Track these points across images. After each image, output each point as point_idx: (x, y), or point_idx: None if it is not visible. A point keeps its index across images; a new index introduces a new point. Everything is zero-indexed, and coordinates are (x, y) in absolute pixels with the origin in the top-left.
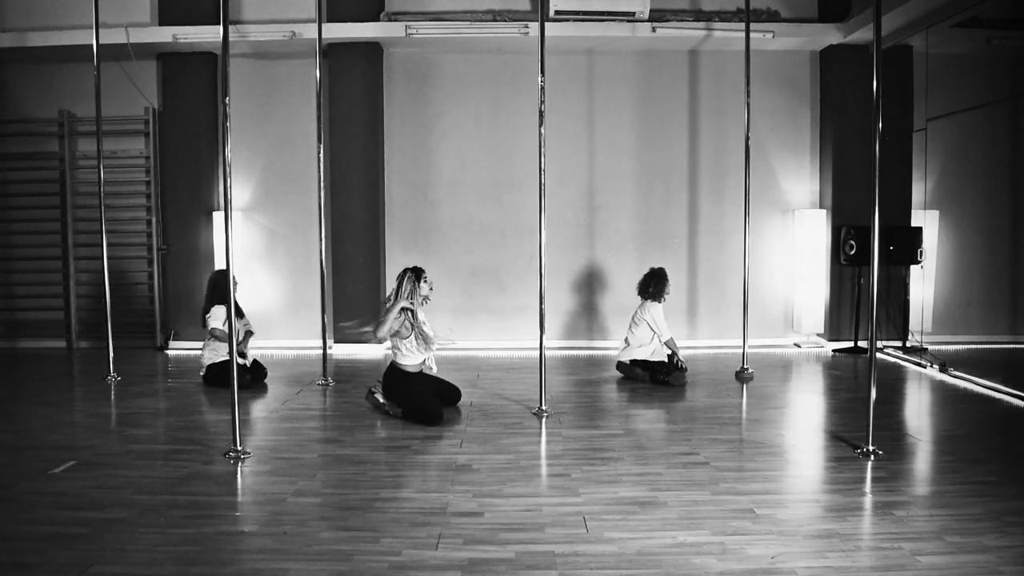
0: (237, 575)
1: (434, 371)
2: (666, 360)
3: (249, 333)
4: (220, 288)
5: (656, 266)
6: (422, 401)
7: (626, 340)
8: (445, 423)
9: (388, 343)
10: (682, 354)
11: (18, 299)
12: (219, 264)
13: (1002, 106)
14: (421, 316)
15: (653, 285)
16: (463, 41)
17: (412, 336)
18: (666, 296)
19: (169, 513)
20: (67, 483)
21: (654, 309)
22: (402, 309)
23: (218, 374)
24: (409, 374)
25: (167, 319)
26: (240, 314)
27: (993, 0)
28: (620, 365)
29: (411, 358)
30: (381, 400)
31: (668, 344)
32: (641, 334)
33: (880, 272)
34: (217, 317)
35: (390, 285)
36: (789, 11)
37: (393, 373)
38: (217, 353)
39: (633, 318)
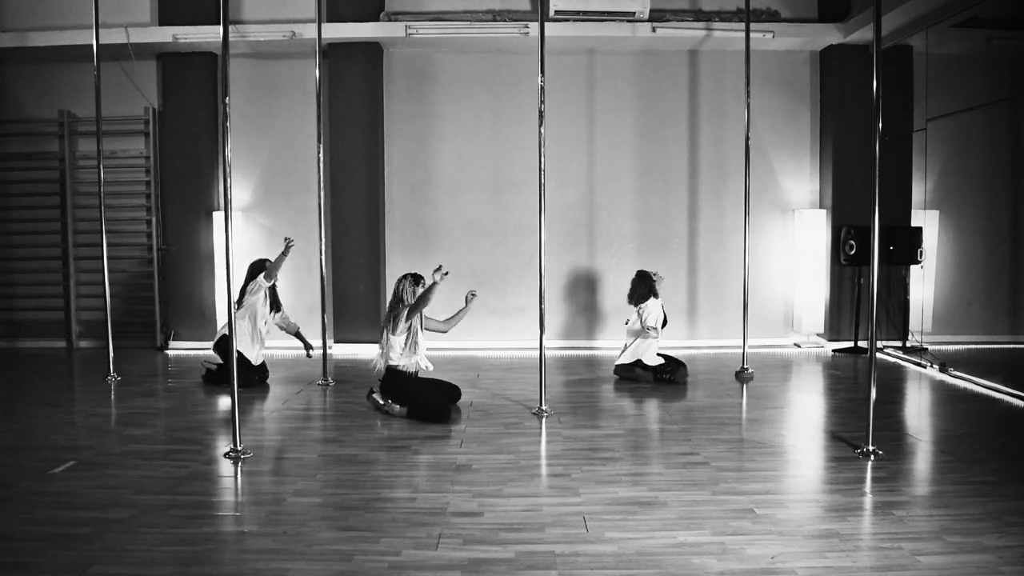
0: (237, 575)
1: (431, 370)
2: (664, 360)
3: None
4: (254, 269)
5: (638, 271)
6: (426, 400)
7: (625, 345)
8: (444, 423)
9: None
10: (673, 352)
11: (18, 299)
12: (219, 264)
13: (1002, 106)
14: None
15: (643, 287)
16: (463, 41)
17: (404, 337)
18: (658, 289)
19: (169, 513)
20: (67, 483)
21: (651, 304)
22: (434, 283)
23: (221, 375)
24: (407, 374)
25: (167, 319)
26: (277, 306)
27: (993, 0)
28: (619, 368)
29: (402, 359)
30: (381, 401)
31: (648, 332)
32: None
33: (880, 272)
34: (259, 286)
35: (390, 285)
36: (789, 11)
37: (392, 376)
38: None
39: (631, 324)
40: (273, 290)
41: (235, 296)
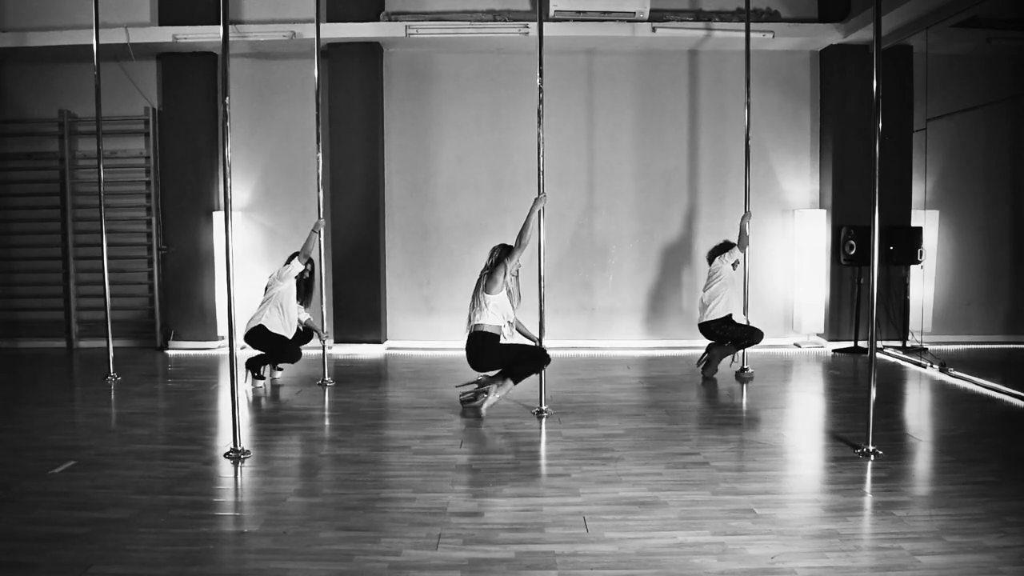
0: (237, 575)
1: (509, 337)
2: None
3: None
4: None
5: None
6: (528, 348)
7: (701, 301)
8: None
9: (483, 312)
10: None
11: (18, 299)
12: (219, 264)
13: (1002, 106)
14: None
15: (717, 250)
16: (463, 41)
17: (503, 293)
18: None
19: (169, 513)
20: (67, 483)
21: (717, 260)
22: (537, 204)
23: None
24: (496, 336)
25: (167, 319)
26: (307, 300)
27: (993, 0)
28: (705, 328)
29: (494, 318)
30: (479, 394)
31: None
32: (714, 290)
33: (880, 272)
34: (288, 272)
35: (390, 285)
36: (789, 11)
37: (481, 339)
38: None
39: (708, 281)
40: (308, 282)
41: (236, 295)
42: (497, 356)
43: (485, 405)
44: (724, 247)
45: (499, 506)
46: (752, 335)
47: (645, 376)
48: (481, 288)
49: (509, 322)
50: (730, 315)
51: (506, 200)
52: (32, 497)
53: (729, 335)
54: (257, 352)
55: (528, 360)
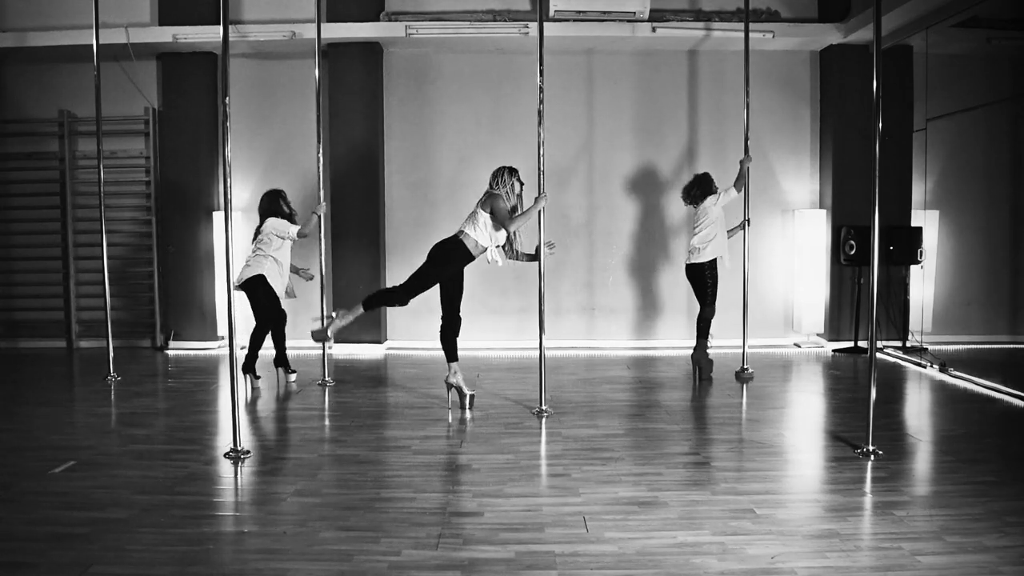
0: (237, 575)
1: (500, 264)
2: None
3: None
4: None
5: (697, 174)
6: (416, 281)
7: (690, 245)
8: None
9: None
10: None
11: (18, 299)
12: (219, 264)
13: (1002, 106)
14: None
15: (698, 187)
16: (463, 41)
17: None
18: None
19: (169, 513)
20: (67, 483)
21: (709, 201)
22: (538, 202)
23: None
24: (466, 252)
25: (167, 319)
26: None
27: (993, 0)
28: (696, 270)
29: (483, 236)
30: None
31: (737, 186)
32: (706, 233)
33: (880, 272)
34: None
35: (390, 285)
36: (789, 11)
37: (453, 244)
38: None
39: (695, 223)
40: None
41: (236, 295)
42: (435, 266)
43: (332, 329)
44: (709, 187)
45: (499, 506)
46: (706, 308)
47: (645, 376)
48: (479, 204)
49: (498, 245)
50: (715, 258)
51: None
52: (32, 497)
53: (708, 283)
54: (246, 347)
55: (398, 290)
